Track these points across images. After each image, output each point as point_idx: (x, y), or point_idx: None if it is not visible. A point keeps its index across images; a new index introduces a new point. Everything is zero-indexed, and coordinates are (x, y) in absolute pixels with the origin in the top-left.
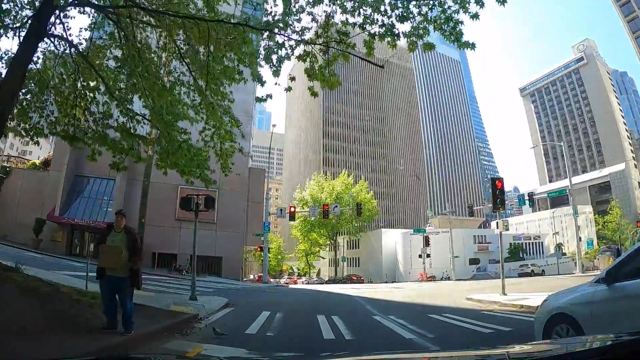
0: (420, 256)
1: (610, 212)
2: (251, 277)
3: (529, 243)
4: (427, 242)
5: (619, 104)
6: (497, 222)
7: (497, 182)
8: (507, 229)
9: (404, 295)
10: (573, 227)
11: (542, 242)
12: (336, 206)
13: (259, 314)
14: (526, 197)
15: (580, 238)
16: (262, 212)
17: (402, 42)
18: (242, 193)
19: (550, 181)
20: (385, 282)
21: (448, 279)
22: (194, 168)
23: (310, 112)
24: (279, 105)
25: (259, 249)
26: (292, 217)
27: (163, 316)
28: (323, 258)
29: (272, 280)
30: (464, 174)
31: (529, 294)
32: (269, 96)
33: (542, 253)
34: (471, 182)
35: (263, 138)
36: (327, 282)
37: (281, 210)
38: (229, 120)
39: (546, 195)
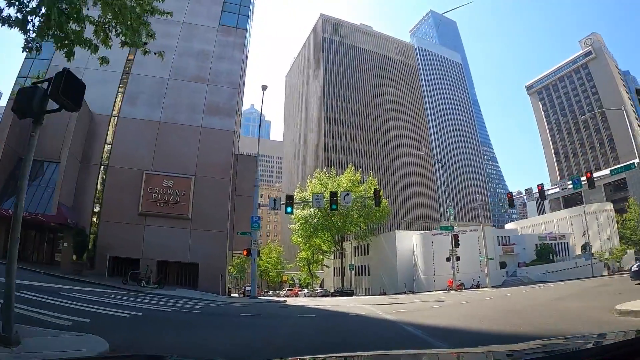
0: (448, 259)
1: (628, 210)
2: (248, 288)
3: (554, 244)
4: (456, 241)
5: (629, 98)
6: None
7: None
8: None
9: (477, 315)
10: (595, 226)
11: (567, 243)
12: (347, 194)
13: None
14: (583, 179)
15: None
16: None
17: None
18: (226, 183)
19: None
20: (405, 293)
21: (478, 286)
22: None
23: (310, 111)
24: (278, 114)
25: (245, 253)
26: (288, 207)
27: None
28: (327, 267)
29: (270, 292)
30: (468, 178)
31: None
32: None
33: (568, 254)
34: (476, 186)
35: (261, 147)
36: (333, 294)
37: (274, 200)
38: None
39: (609, 172)
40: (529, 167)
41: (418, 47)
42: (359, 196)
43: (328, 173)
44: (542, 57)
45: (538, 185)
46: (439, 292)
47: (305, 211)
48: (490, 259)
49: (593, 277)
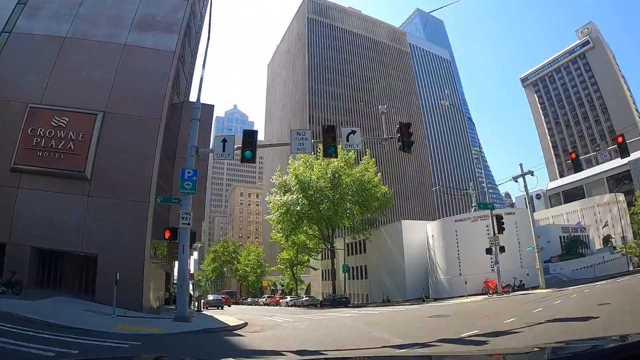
0: (488, 251)
1: (635, 202)
2: (211, 297)
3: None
4: (500, 225)
5: (628, 89)
6: None
7: None
8: None
9: None
10: (608, 218)
11: (588, 235)
12: (353, 132)
13: None
14: None
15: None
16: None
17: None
18: (154, 126)
19: (561, 176)
20: (423, 301)
21: (522, 287)
22: None
23: (294, 96)
24: (262, 115)
25: (167, 235)
26: (247, 152)
27: None
28: (314, 269)
29: (249, 299)
30: (459, 173)
31: None
32: None
33: (589, 247)
34: (467, 181)
35: None
36: (323, 304)
37: (224, 141)
38: None
39: None
40: (517, 165)
41: (408, 43)
42: (353, 179)
43: (315, 154)
44: (529, 57)
45: (618, 137)
46: (477, 298)
47: (285, 197)
48: (542, 249)
49: (631, 272)
